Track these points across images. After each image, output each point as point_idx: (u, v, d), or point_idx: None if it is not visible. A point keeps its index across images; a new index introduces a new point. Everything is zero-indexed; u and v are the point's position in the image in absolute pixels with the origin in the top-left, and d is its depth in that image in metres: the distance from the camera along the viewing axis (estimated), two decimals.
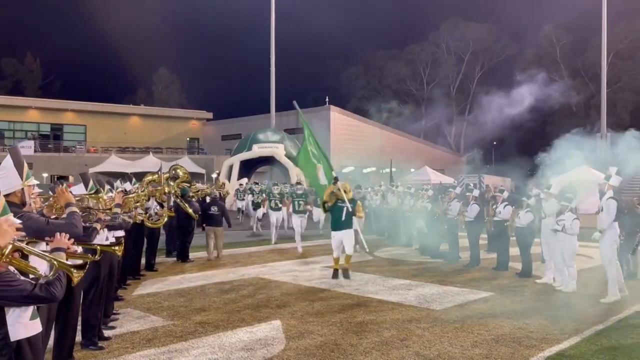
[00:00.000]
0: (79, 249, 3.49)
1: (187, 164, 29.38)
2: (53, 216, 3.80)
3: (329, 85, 56.12)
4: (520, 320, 6.55)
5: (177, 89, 61.99)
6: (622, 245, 8.53)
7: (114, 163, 32.15)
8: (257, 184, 20.58)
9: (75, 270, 2.68)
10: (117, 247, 4.43)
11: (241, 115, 46.96)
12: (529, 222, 9.51)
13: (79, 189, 5.25)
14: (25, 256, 2.64)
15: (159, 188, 7.72)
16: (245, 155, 29.53)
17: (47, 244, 2.95)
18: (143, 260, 10.02)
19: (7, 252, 2.44)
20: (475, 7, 65.08)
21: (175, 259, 11.77)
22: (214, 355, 5.25)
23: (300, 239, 13.07)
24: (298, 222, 13.25)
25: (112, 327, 6.15)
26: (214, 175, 30.92)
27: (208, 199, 14.42)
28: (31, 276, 2.75)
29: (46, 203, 3.90)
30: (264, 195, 17.47)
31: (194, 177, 22.98)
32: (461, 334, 5.98)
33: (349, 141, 38.56)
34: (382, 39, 75.24)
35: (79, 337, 5.28)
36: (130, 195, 6.48)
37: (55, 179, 29.30)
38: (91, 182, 5.35)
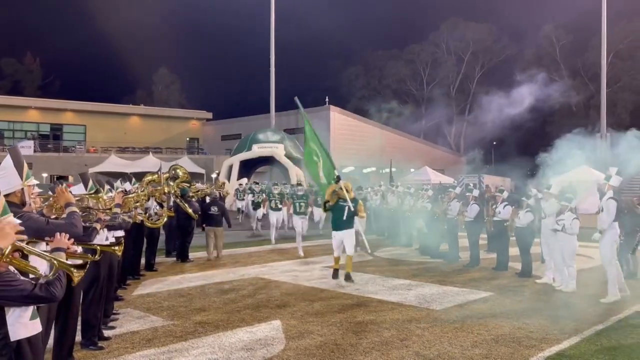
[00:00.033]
0: (79, 249, 3.49)
1: (187, 164, 29.38)
2: (53, 216, 3.80)
3: (328, 85, 56.17)
4: (520, 320, 6.55)
5: (177, 89, 61.99)
6: (622, 245, 8.53)
7: (114, 163, 32.14)
8: (257, 183, 20.50)
9: (75, 270, 2.68)
10: (117, 247, 4.43)
11: (241, 115, 46.99)
12: (529, 222, 9.51)
13: (78, 189, 5.25)
14: (25, 256, 2.64)
15: (159, 188, 7.71)
16: (245, 155, 29.51)
17: (47, 244, 2.95)
18: (143, 261, 10.02)
19: (7, 252, 2.45)
20: (475, 7, 65.18)
21: (175, 259, 11.77)
22: (214, 355, 5.25)
23: (301, 240, 12.83)
24: (299, 224, 13.02)
25: (112, 327, 6.15)
26: (214, 175, 30.91)
27: (208, 199, 14.42)
28: (31, 276, 2.75)
29: (46, 203, 3.90)
30: (264, 195, 17.37)
31: (194, 177, 22.98)
32: (461, 334, 5.98)
33: (349, 141, 38.57)
34: (382, 39, 75.31)
35: (78, 337, 5.28)
36: (130, 195, 6.47)
37: (55, 179, 29.31)
38: (91, 182, 5.35)
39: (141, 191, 7.04)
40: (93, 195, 4.83)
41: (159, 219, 8.37)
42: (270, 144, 30.01)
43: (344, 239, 9.14)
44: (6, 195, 3.01)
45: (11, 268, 2.53)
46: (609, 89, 40.11)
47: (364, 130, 40.66)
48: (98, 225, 4.60)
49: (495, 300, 7.75)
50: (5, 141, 37.97)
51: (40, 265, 2.80)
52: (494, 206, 10.78)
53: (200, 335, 5.92)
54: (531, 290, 8.48)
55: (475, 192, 11.17)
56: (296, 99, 10.48)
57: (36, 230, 3.08)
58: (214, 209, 12.13)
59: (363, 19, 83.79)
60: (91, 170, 28.26)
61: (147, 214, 8.19)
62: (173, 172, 8.60)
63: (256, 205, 17.65)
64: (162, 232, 11.18)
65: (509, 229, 10.10)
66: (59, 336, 4.73)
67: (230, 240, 14.20)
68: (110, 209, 5.11)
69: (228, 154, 34.08)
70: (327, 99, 39.83)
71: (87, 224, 4.41)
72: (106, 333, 5.86)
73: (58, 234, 2.84)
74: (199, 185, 16.12)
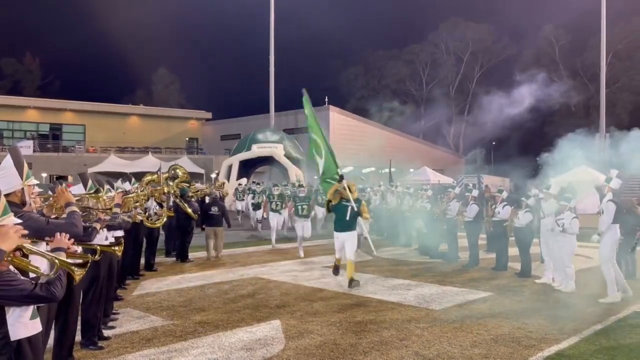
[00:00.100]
0: (79, 249, 3.49)
1: (186, 164, 29.36)
2: (53, 216, 3.81)
3: (328, 85, 56.10)
4: (519, 320, 6.56)
5: (177, 88, 62.01)
6: (622, 244, 8.54)
7: (113, 163, 32.12)
8: (258, 184, 20.37)
9: (76, 269, 2.69)
10: (116, 248, 4.43)
11: (240, 115, 47.00)
12: (528, 222, 9.52)
13: (78, 189, 5.26)
14: (25, 255, 2.65)
15: (158, 188, 7.71)
16: (244, 155, 29.51)
17: (47, 244, 2.95)
18: (142, 260, 10.02)
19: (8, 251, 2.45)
20: (475, 7, 65.19)
21: (174, 258, 11.77)
22: (214, 355, 5.25)
23: (301, 243, 12.53)
24: (300, 227, 12.50)
25: (112, 327, 6.16)
26: (213, 175, 30.92)
27: (207, 199, 14.41)
28: (32, 275, 2.76)
29: (46, 203, 3.90)
30: (264, 196, 17.06)
31: (193, 177, 22.96)
32: (460, 333, 5.99)
33: (348, 141, 38.57)
34: (381, 39, 75.35)
35: (78, 337, 5.28)
36: (130, 195, 6.48)
37: (54, 179, 29.29)
38: (90, 182, 5.36)
39: (141, 191, 7.04)
40: (93, 195, 4.83)
41: (158, 219, 8.36)
42: (269, 144, 30.02)
43: (345, 241, 8.63)
44: (6, 195, 3.01)
45: (11, 267, 2.54)
46: (608, 89, 40.17)
47: (364, 131, 40.67)
48: (98, 225, 4.60)
49: (494, 300, 7.75)
50: (5, 141, 37.94)
51: (41, 265, 2.80)
52: (493, 206, 10.79)
53: (200, 335, 5.92)
54: (530, 290, 8.49)
55: (475, 192, 11.17)
56: (304, 90, 9.67)
57: (36, 230, 3.08)
58: (214, 209, 12.13)
59: (363, 19, 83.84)
60: (90, 170, 28.24)
61: (147, 214, 8.18)
62: (172, 172, 8.59)
63: (256, 206, 17.52)
64: (161, 232, 11.18)
65: (508, 229, 10.11)
66: (59, 336, 4.73)
67: (229, 240, 14.20)
68: (110, 209, 5.12)
69: (227, 154, 34.08)
70: (326, 99, 39.87)
71: (87, 224, 4.41)
72: (106, 333, 5.87)
73: (58, 234, 2.84)
74: (198, 185, 16.08)
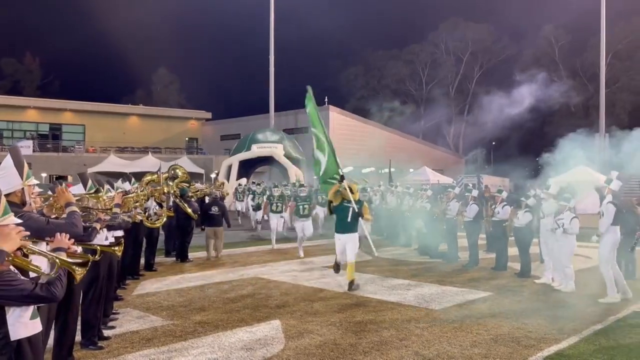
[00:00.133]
0: (79, 249, 3.49)
1: (186, 164, 29.36)
2: (53, 216, 3.81)
3: (328, 85, 56.09)
4: (519, 320, 6.56)
5: (176, 88, 62.00)
6: (621, 244, 8.54)
7: (113, 163, 32.11)
8: (258, 184, 20.27)
9: (77, 268, 2.69)
10: (116, 248, 4.44)
11: (240, 115, 46.98)
12: (528, 222, 9.53)
13: (77, 189, 5.26)
14: (25, 255, 2.65)
15: (158, 188, 7.71)
16: (244, 155, 29.51)
17: (47, 244, 2.95)
18: (142, 260, 10.02)
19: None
20: (475, 7, 65.22)
21: (174, 258, 11.77)
22: (214, 355, 5.25)
23: (301, 243, 12.45)
24: (300, 227, 12.34)
25: (112, 327, 6.16)
26: (213, 175, 30.92)
27: (207, 199, 14.41)
28: (32, 275, 2.76)
29: (46, 203, 3.90)
30: (264, 198, 16.91)
31: (193, 177, 22.96)
32: (460, 333, 6.00)
33: (348, 141, 38.56)
34: (381, 39, 75.40)
35: (78, 337, 5.28)
36: (130, 195, 6.48)
37: (54, 179, 29.30)
38: (90, 182, 5.36)
39: (140, 191, 7.04)
40: (93, 195, 4.83)
41: (158, 219, 8.37)
42: (269, 144, 30.01)
43: (347, 243, 8.47)
44: (7, 195, 3.01)
45: (12, 267, 2.54)
46: (607, 89, 40.17)
47: (363, 131, 40.67)
48: (98, 225, 4.61)
49: (494, 300, 7.76)
50: (4, 141, 37.92)
51: (41, 265, 2.80)
52: (492, 206, 10.80)
53: (200, 335, 5.92)
54: (530, 290, 8.49)
55: (475, 192, 11.18)
56: (309, 87, 9.40)
57: (36, 230, 3.08)
58: (214, 209, 12.13)
59: (363, 19, 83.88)
60: (90, 170, 28.23)
61: (147, 214, 8.19)
62: (172, 172, 8.59)
63: (256, 207, 17.43)
64: (161, 232, 11.18)
65: (507, 229, 10.12)
66: (58, 336, 4.74)
67: (229, 240, 14.19)
68: (110, 209, 5.12)
69: (227, 154, 34.08)
70: (326, 99, 39.86)
71: (87, 224, 4.41)
72: (106, 333, 5.87)
73: (58, 234, 2.84)
74: (198, 185, 16.08)
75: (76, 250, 3.09)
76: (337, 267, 8.81)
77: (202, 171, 32.49)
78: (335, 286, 8.68)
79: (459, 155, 52.87)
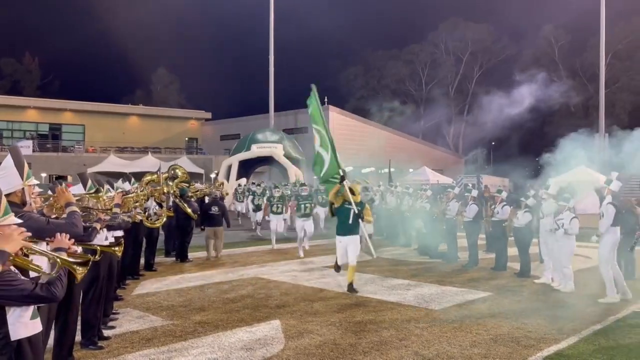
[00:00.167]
0: (79, 249, 3.50)
1: (186, 164, 29.34)
2: (53, 216, 3.81)
3: (328, 85, 56.04)
4: (518, 320, 6.57)
5: (176, 88, 62.00)
6: (621, 244, 8.55)
7: (113, 163, 32.11)
8: (258, 185, 20.21)
9: (78, 267, 2.70)
10: (117, 248, 4.44)
11: (240, 115, 46.97)
12: (527, 222, 9.53)
13: (77, 189, 5.26)
14: (26, 254, 2.65)
15: (158, 188, 7.72)
16: (243, 155, 29.51)
17: (47, 244, 2.96)
18: (142, 260, 10.03)
19: None
20: (475, 8, 65.23)
21: (174, 258, 11.78)
22: (214, 355, 5.26)
23: (301, 243, 12.44)
24: (301, 226, 12.30)
25: (112, 327, 6.16)
26: (213, 175, 30.92)
27: (207, 199, 14.40)
28: (32, 275, 2.76)
29: (46, 203, 3.91)
30: (264, 199, 16.74)
31: (193, 177, 22.94)
32: (460, 333, 6.00)
33: (348, 141, 38.55)
34: (381, 39, 75.44)
35: (78, 337, 5.29)
36: (130, 195, 6.48)
37: (54, 179, 29.29)
38: (90, 182, 5.36)
39: (140, 191, 7.04)
40: (93, 195, 4.84)
41: (158, 219, 8.37)
42: (269, 144, 30.01)
43: (348, 245, 8.36)
44: (7, 195, 3.02)
45: (12, 267, 2.54)
46: (607, 89, 40.20)
47: (363, 131, 40.68)
48: (98, 225, 4.61)
49: (494, 300, 7.77)
50: (4, 141, 37.90)
51: (41, 264, 2.81)
52: (492, 206, 10.80)
53: (200, 335, 5.93)
54: (530, 290, 8.50)
55: (474, 193, 11.18)
56: (313, 85, 9.26)
57: (37, 230, 3.08)
58: (214, 209, 12.13)
59: (362, 19, 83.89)
60: (90, 170, 28.22)
61: (147, 214, 8.19)
62: (172, 172, 8.60)
63: (256, 208, 17.37)
64: (161, 232, 11.18)
65: (507, 229, 10.12)
66: (59, 336, 4.74)
67: (229, 240, 14.19)
68: (110, 209, 5.12)
69: (227, 154, 34.08)
70: (326, 99, 39.86)
71: (87, 224, 4.42)
72: (106, 333, 5.87)
73: (59, 234, 2.85)
74: (198, 185, 16.06)
75: (76, 251, 3.09)
76: (337, 268, 8.75)
77: (201, 171, 32.49)
78: (335, 286, 8.69)
79: (459, 155, 52.90)
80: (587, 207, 13.23)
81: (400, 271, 10.21)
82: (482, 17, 58.76)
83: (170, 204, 9.80)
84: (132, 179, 8.71)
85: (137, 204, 6.75)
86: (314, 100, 9.27)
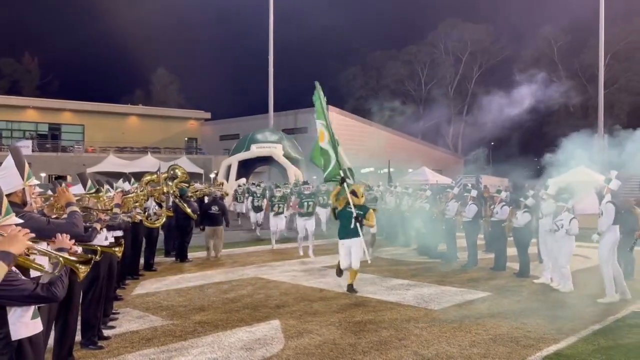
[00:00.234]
0: (79, 249, 3.50)
1: (185, 164, 29.31)
2: (54, 216, 3.82)
3: (327, 85, 55.80)
4: (517, 320, 6.58)
5: (176, 88, 61.99)
6: (620, 244, 8.56)
7: (112, 163, 32.10)
8: (257, 185, 20.18)
9: (81, 266, 2.70)
10: (117, 249, 4.44)
11: (239, 115, 46.99)
12: (527, 223, 9.55)
13: (77, 189, 5.26)
14: (26, 254, 2.66)
15: (158, 188, 7.72)
16: (243, 156, 29.51)
17: (47, 244, 2.96)
18: (142, 260, 10.03)
19: None
20: (474, 8, 65.24)
21: (174, 258, 11.78)
22: (213, 355, 5.27)
23: (301, 243, 12.38)
24: (302, 226, 12.18)
25: (112, 327, 6.17)
26: (212, 175, 30.92)
27: (206, 199, 14.39)
28: (32, 275, 2.77)
29: (47, 203, 3.91)
30: (264, 199, 16.65)
31: (192, 177, 22.93)
32: (459, 333, 6.01)
33: (347, 141, 38.43)
34: (380, 39, 75.43)
35: (78, 337, 5.29)
36: (129, 195, 6.49)
37: (53, 179, 29.27)
38: (89, 182, 5.36)
39: (140, 191, 7.05)
40: (94, 195, 4.84)
41: (157, 219, 8.38)
42: (268, 144, 30.02)
43: (351, 248, 8.20)
44: (8, 195, 3.02)
45: (13, 268, 2.55)
46: (606, 90, 40.22)
47: (363, 131, 40.69)
48: (98, 226, 4.62)
49: (493, 300, 7.78)
50: (3, 141, 37.86)
51: (42, 264, 2.81)
52: (491, 206, 10.81)
53: (200, 335, 5.94)
54: (529, 290, 8.51)
55: (474, 193, 11.20)
56: (316, 83, 9.16)
57: (37, 230, 3.08)
58: (214, 208, 12.14)
59: (362, 19, 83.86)
60: (89, 170, 28.22)
61: (146, 214, 8.20)
62: (172, 172, 8.60)
63: (257, 209, 17.31)
64: (161, 232, 11.19)
65: (506, 229, 10.14)
66: (59, 336, 4.74)
67: (229, 240, 14.19)
68: (110, 209, 5.13)
69: (226, 154, 34.08)
70: (325, 99, 39.83)
71: (87, 224, 4.42)
72: (106, 333, 5.88)
73: (60, 234, 2.85)
74: (197, 185, 16.05)
75: (76, 251, 3.10)
76: (340, 272, 8.60)
77: (201, 171, 32.49)
78: (335, 286, 8.70)
79: (458, 156, 52.92)
80: (587, 208, 13.24)
81: (400, 271, 10.22)
82: (480, 17, 58.80)
83: (170, 204, 9.79)
84: (132, 179, 8.70)
85: (136, 204, 6.75)
86: (318, 97, 9.14)
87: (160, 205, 8.78)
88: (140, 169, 22.84)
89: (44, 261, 2.81)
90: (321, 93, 9.17)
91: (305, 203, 12.43)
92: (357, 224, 8.15)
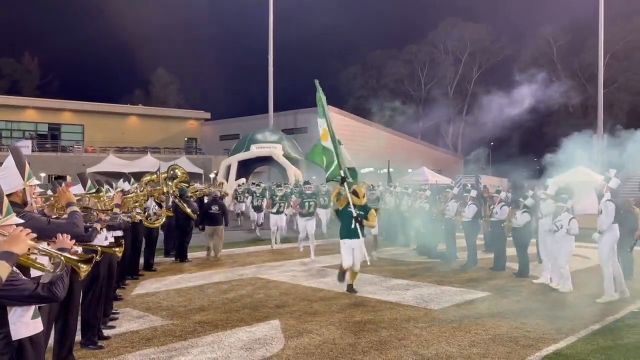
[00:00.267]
0: (80, 249, 3.51)
1: (185, 164, 29.30)
2: (54, 216, 3.82)
3: (327, 85, 55.83)
4: (517, 319, 6.59)
5: (175, 88, 61.98)
6: (620, 244, 8.57)
7: (112, 163, 32.11)
8: (257, 185, 20.19)
9: (82, 265, 2.71)
10: (117, 249, 4.45)
11: (239, 116, 47.00)
12: (526, 223, 9.56)
13: (77, 189, 5.27)
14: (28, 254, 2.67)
15: (158, 188, 7.73)
16: (243, 156, 29.52)
17: (48, 244, 2.97)
18: (142, 260, 10.03)
19: None
20: (474, 8, 65.23)
21: (173, 258, 11.78)
22: (213, 355, 5.27)
23: (301, 242, 12.38)
24: (303, 226, 12.14)
25: (112, 327, 6.17)
26: (212, 175, 30.93)
27: (206, 199, 14.39)
28: (32, 275, 2.77)
29: (47, 203, 3.92)
30: (264, 198, 16.70)
31: (192, 177, 22.91)
32: (459, 333, 6.02)
33: (347, 141, 38.21)
34: (380, 39, 75.37)
35: (78, 337, 5.30)
36: (129, 195, 6.50)
37: (53, 179, 29.26)
38: (89, 182, 5.37)
39: (140, 191, 7.06)
40: (94, 195, 4.85)
41: (157, 219, 8.39)
42: (268, 144, 30.04)
43: (354, 249, 8.13)
44: (8, 195, 3.03)
45: (14, 267, 2.56)
46: (605, 89, 40.21)
47: (362, 131, 40.70)
48: (98, 226, 4.62)
49: (492, 300, 7.78)
50: (3, 141, 37.86)
51: (43, 264, 2.82)
52: (491, 206, 10.82)
53: (200, 335, 5.94)
54: (528, 290, 8.52)
55: (473, 193, 11.20)
56: (316, 81, 9.05)
57: (38, 230, 3.08)
58: (214, 208, 12.14)
59: (362, 19, 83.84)
60: (89, 170, 28.21)
61: (146, 214, 8.20)
62: (171, 172, 8.61)
63: (257, 209, 17.30)
64: (160, 232, 11.19)
65: (506, 229, 10.15)
66: (59, 336, 4.75)
67: (229, 240, 14.19)
68: (110, 209, 5.13)
69: (226, 154, 34.09)
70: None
71: (88, 224, 4.43)
72: (106, 332, 5.88)
73: (60, 235, 2.86)
74: (197, 185, 16.06)
75: (77, 251, 3.10)
76: (342, 276, 8.37)
77: (201, 171, 32.50)
78: (335, 286, 8.69)
79: (458, 156, 52.93)
80: (586, 208, 13.26)
81: (400, 271, 10.23)
82: (480, 17, 58.82)
83: (170, 204, 9.80)
84: (132, 179, 8.71)
85: (136, 204, 6.76)
86: (319, 96, 9.05)
87: (160, 205, 8.79)
88: (140, 169, 22.85)
89: (44, 261, 2.82)
90: (321, 92, 9.10)
91: (307, 203, 12.40)
92: (357, 225, 8.10)
